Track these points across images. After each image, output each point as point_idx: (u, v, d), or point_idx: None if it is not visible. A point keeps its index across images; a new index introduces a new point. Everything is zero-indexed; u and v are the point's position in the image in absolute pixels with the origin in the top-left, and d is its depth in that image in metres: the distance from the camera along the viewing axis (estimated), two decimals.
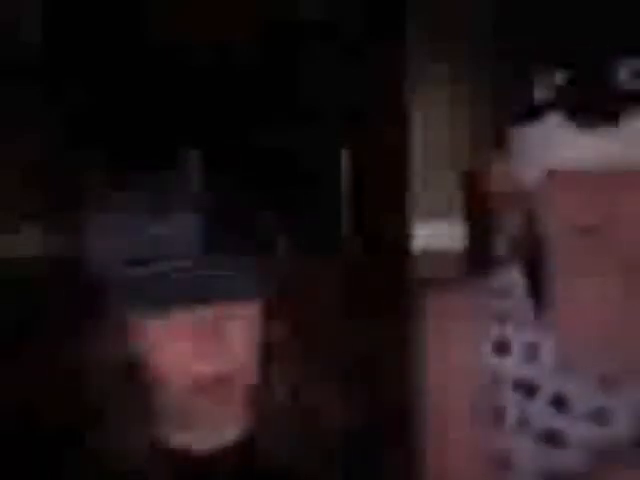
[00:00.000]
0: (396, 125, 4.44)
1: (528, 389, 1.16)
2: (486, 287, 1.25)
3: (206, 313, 0.94)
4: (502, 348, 1.20)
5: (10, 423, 0.99)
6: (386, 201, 4.44)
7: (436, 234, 5.54)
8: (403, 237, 4.55)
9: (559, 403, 1.15)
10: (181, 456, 0.98)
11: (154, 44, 4.33)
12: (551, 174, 1.11)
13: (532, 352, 1.18)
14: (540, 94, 1.14)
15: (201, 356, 0.93)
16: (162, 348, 0.94)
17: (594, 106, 1.08)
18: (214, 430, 1.00)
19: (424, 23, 5.12)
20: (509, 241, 1.25)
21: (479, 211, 4.78)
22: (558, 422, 1.14)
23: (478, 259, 4.84)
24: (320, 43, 4.46)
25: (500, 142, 1.23)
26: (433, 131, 5.59)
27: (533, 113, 1.15)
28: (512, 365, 1.19)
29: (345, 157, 4.53)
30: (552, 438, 1.15)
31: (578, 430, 1.12)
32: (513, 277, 1.23)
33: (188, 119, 4.34)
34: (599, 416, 1.12)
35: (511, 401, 1.18)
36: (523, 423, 1.16)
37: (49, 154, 4.23)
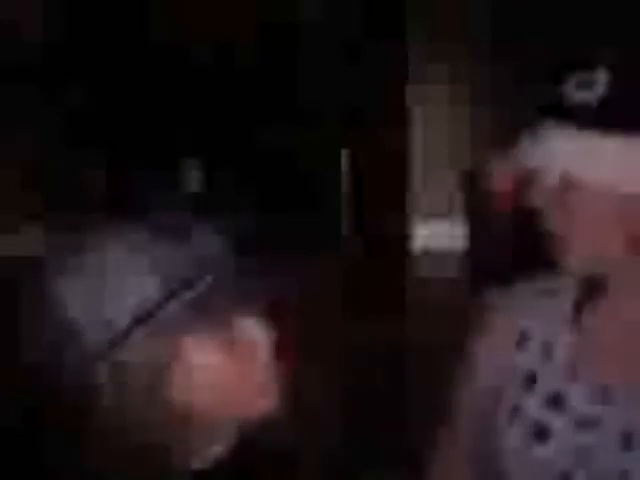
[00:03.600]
0: (396, 125, 4.44)
1: (529, 381, 1.19)
2: (532, 287, 1.26)
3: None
4: (523, 343, 1.22)
5: (10, 423, 0.99)
6: (386, 201, 4.44)
7: (436, 234, 5.55)
8: (403, 237, 4.55)
9: (556, 401, 1.17)
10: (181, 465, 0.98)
11: (154, 44, 4.33)
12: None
13: (548, 350, 1.20)
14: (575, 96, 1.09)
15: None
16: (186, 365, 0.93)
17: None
18: (211, 435, 0.99)
19: (424, 23, 5.12)
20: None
21: (479, 211, 4.78)
22: (549, 418, 1.18)
23: (478, 259, 4.84)
24: (320, 43, 4.47)
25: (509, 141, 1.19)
26: (433, 131, 5.60)
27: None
28: (526, 362, 1.21)
29: (345, 157, 4.54)
30: (539, 432, 1.17)
31: (566, 430, 1.14)
32: (563, 280, 1.22)
33: (188, 119, 4.34)
34: (590, 422, 1.13)
35: (513, 392, 1.20)
36: (516, 413, 1.18)
37: (49, 154, 4.23)
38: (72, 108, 4.25)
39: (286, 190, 4.19)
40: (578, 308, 1.21)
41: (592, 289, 1.19)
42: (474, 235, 4.96)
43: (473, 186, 4.84)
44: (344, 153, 4.53)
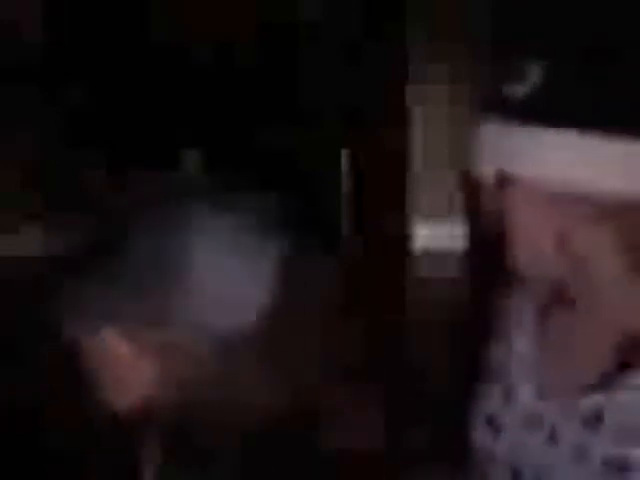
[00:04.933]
0: (396, 125, 4.44)
1: (494, 376, 1.21)
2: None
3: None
4: (500, 339, 1.24)
5: (10, 423, 0.99)
6: (386, 201, 4.44)
7: (436, 234, 5.55)
8: (403, 237, 4.55)
9: (506, 396, 1.20)
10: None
11: (154, 44, 4.34)
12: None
13: (513, 346, 1.21)
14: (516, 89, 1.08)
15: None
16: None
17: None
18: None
19: (424, 23, 5.12)
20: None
21: (479, 211, 4.78)
22: (499, 410, 1.20)
23: (477, 259, 4.84)
24: (320, 43, 4.47)
25: None
26: (433, 131, 5.60)
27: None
28: (496, 357, 1.23)
29: (345, 157, 4.54)
30: (491, 422, 1.20)
31: (514, 426, 1.18)
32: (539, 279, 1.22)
33: (188, 119, 4.34)
34: (531, 422, 1.14)
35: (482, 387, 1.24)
36: (479, 409, 1.21)
37: (49, 154, 4.23)
38: (72, 108, 4.25)
39: (286, 190, 4.18)
40: (546, 306, 1.21)
41: (557, 290, 1.18)
42: (474, 235, 4.96)
43: (473, 186, 4.84)
44: (344, 153, 4.53)
